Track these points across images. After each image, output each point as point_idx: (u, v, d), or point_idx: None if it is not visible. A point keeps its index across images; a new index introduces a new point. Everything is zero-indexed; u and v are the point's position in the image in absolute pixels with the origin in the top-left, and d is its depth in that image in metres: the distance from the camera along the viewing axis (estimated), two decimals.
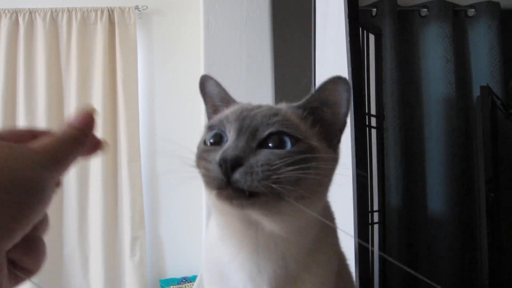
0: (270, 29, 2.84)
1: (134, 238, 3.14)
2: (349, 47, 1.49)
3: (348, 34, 1.50)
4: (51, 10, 3.23)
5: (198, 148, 0.76)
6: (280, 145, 0.69)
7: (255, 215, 0.69)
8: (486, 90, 2.31)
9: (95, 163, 3.17)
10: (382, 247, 2.29)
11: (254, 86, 2.81)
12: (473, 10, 3.08)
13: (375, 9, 3.03)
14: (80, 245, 3.18)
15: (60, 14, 3.24)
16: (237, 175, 0.64)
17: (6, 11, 3.21)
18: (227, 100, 0.87)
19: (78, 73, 3.20)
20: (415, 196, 2.93)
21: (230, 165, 0.65)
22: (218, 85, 0.87)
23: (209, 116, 0.85)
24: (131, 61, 3.23)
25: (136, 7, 3.27)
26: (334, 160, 0.75)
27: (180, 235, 3.28)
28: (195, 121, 3.13)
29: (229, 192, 0.65)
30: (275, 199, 0.65)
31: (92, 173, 3.19)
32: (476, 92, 2.70)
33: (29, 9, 3.22)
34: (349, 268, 0.88)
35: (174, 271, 3.27)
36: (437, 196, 2.90)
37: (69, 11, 3.24)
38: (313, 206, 0.70)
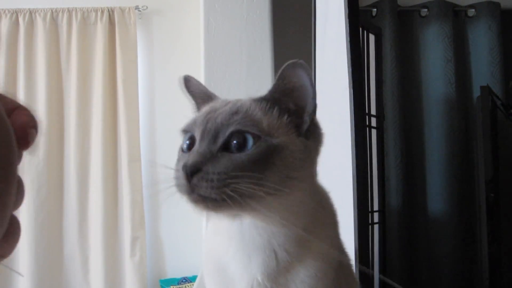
0: (271, 29, 2.84)
1: (134, 238, 3.14)
2: (349, 47, 1.49)
3: (348, 34, 1.50)
4: (51, 10, 3.23)
5: (177, 155, 0.81)
6: (244, 143, 0.69)
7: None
8: (486, 90, 2.31)
9: (95, 163, 3.17)
10: (382, 248, 2.29)
11: (254, 87, 2.81)
12: (473, 10, 3.08)
13: (375, 9, 3.03)
14: (80, 245, 3.18)
15: (60, 14, 3.24)
16: (195, 180, 0.67)
17: (6, 11, 3.21)
18: (209, 97, 0.92)
19: (78, 73, 3.20)
20: (415, 197, 2.93)
21: (189, 172, 0.68)
22: (198, 84, 0.93)
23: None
24: (131, 61, 3.23)
25: (136, 7, 3.27)
26: (306, 148, 0.74)
27: (180, 235, 3.28)
28: None
29: (195, 197, 0.68)
30: (237, 203, 0.66)
31: (92, 173, 3.19)
32: (476, 92, 2.70)
33: (29, 9, 3.22)
34: (352, 268, 0.88)
35: (174, 271, 3.27)
36: (437, 196, 2.90)
37: (69, 11, 3.24)
38: (290, 198, 0.70)
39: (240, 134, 0.70)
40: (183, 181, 0.69)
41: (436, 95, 2.94)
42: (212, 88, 2.99)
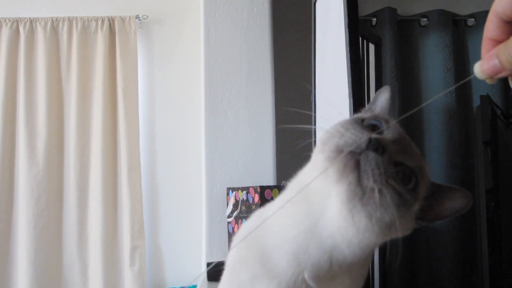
0: (270, 38, 2.84)
1: (134, 247, 3.13)
2: (349, 56, 1.49)
3: (348, 44, 1.50)
4: (52, 19, 3.24)
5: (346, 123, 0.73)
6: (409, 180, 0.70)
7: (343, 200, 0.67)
8: (486, 99, 2.31)
9: (95, 172, 3.16)
10: (382, 256, 2.28)
11: (254, 96, 2.81)
12: (473, 19, 3.09)
13: (375, 19, 3.04)
14: (80, 254, 3.17)
15: (60, 23, 3.25)
16: (371, 155, 0.65)
17: (7, 20, 3.22)
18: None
19: (78, 82, 3.21)
20: None
21: (375, 145, 0.66)
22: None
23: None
24: (131, 70, 3.23)
25: (137, 17, 3.28)
26: None
27: (179, 245, 3.27)
28: (195, 130, 3.13)
29: (353, 162, 0.65)
30: (384, 203, 0.65)
31: (91, 181, 3.18)
32: (476, 102, 2.70)
33: (29, 18, 3.23)
34: None
35: (173, 281, 3.26)
36: None
37: (70, 20, 3.25)
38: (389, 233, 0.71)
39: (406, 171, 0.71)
40: (359, 140, 0.66)
41: (436, 104, 2.94)
42: (212, 97, 3.02)
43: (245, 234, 0.79)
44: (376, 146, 0.66)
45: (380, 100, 0.87)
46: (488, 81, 0.62)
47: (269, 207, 0.81)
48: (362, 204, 0.64)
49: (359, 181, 0.64)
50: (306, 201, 0.72)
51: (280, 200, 0.79)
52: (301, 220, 0.72)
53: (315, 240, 0.71)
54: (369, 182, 0.64)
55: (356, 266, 0.75)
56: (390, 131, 0.72)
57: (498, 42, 0.58)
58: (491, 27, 0.59)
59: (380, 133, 0.71)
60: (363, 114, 0.79)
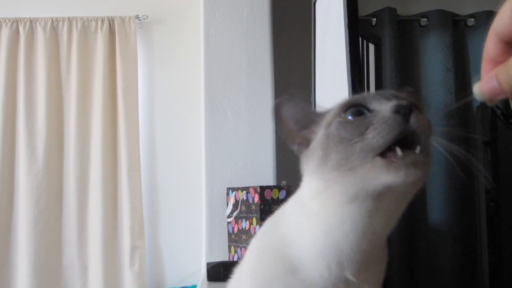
0: (270, 39, 2.84)
1: (134, 247, 3.13)
2: (349, 56, 1.49)
3: (348, 44, 1.50)
4: (52, 19, 3.24)
5: (337, 124, 0.71)
6: None
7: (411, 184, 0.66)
8: None
9: (95, 172, 3.16)
10: None
11: (254, 96, 2.81)
12: (473, 19, 3.09)
13: (375, 19, 3.04)
14: (80, 254, 3.17)
15: (60, 23, 3.25)
16: (413, 118, 0.65)
17: (7, 20, 3.22)
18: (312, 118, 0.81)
19: (78, 82, 3.21)
20: (415, 206, 2.93)
21: (407, 109, 0.65)
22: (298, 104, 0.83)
23: (289, 139, 0.80)
24: (131, 71, 3.23)
25: (137, 17, 3.27)
26: None
27: (179, 245, 3.27)
28: (195, 130, 3.13)
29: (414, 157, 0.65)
30: (429, 162, 0.67)
31: (91, 181, 3.18)
32: (476, 102, 2.70)
33: (29, 18, 3.23)
34: None
35: (173, 281, 3.25)
36: (437, 206, 2.89)
37: (70, 20, 3.25)
38: None
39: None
40: (395, 122, 0.65)
41: (436, 104, 2.94)
42: (212, 98, 3.02)
43: (268, 253, 0.78)
44: (406, 109, 0.66)
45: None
46: (488, 103, 0.61)
47: (284, 218, 0.80)
48: (425, 173, 0.66)
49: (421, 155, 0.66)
50: (342, 207, 0.71)
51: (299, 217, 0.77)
52: (342, 227, 0.71)
53: (362, 240, 0.71)
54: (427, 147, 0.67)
55: (383, 254, 0.77)
56: (378, 99, 0.71)
57: (497, 63, 0.58)
58: (490, 47, 0.59)
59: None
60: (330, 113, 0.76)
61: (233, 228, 2.59)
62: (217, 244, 2.72)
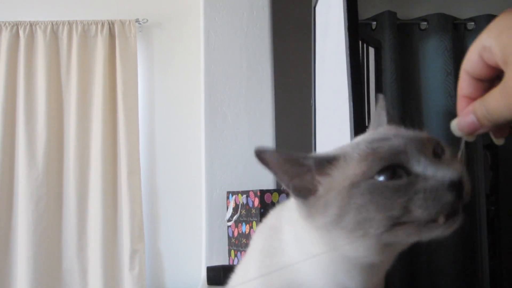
0: (270, 42, 2.85)
1: (133, 251, 3.13)
2: (348, 60, 1.49)
3: (348, 47, 1.50)
4: (52, 23, 3.24)
5: (370, 187, 0.63)
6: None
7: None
8: None
9: (95, 175, 3.16)
10: None
11: (254, 99, 2.81)
12: (473, 23, 3.08)
13: (375, 23, 3.04)
14: (79, 258, 3.16)
15: (60, 27, 3.25)
16: (465, 192, 0.61)
17: (7, 24, 3.22)
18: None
19: (78, 85, 3.20)
20: None
21: (461, 186, 0.61)
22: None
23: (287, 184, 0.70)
24: (131, 74, 3.23)
25: (137, 20, 3.27)
26: None
27: (179, 249, 3.26)
28: (195, 134, 3.13)
29: (460, 218, 0.62)
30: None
31: (91, 185, 3.18)
32: None
33: (29, 21, 3.23)
34: None
35: (173, 285, 3.25)
36: None
37: (70, 24, 3.25)
38: None
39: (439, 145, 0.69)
40: (449, 199, 0.60)
41: (436, 107, 2.94)
42: (212, 101, 3.02)
43: None
44: (460, 186, 0.61)
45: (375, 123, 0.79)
46: (467, 139, 0.63)
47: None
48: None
49: None
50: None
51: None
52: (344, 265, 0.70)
53: (367, 283, 0.71)
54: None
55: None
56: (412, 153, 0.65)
57: (472, 99, 0.60)
58: (463, 85, 0.61)
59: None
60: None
61: (233, 232, 2.58)
62: (217, 248, 2.72)
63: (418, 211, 0.59)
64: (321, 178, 0.67)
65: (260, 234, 0.81)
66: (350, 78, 1.48)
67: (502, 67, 0.54)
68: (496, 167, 2.25)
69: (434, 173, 0.61)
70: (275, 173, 0.69)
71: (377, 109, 0.82)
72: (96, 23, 3.26)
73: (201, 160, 2.86)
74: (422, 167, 0.62)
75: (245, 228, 2.46)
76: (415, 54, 3.06)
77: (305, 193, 0.68)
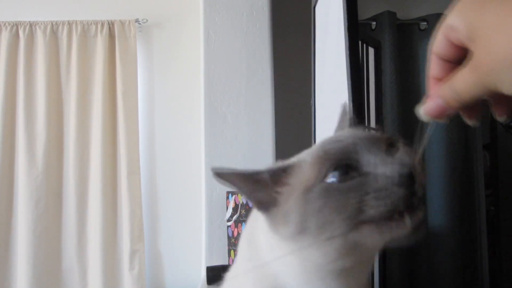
0: (270, 42, 2.85)
1: (133, 251, 3.13)
2: (348, 60, 1.49)
3: (347, 48, 1.50)
4: (51, 23, 3.24)
5: (321, 191, 0.63)
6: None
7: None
8: (485, 103, 2.31)
9: (95, 176, 3.16)
10: (381, 261, 2.28)
11: (254, 100, 2.81)
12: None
13: (375, 23, 3.04)
14: (79, 258, 3.16)
15: (60, 27, 3.25)
16: (417, 183, 0.60)
17: (7, 24, 3.22)
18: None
19: (78, 85, 3.20)
20: None
21: (411, 178, 0.59)
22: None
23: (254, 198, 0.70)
24: (131, 74, 3.23)
25: (137, 20, 3.27)
26: None
27: (179, 249, 3.27)
28: (195, 134, 3.13)
29: (419, 215, 0.61)
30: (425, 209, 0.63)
31: (91, 185, 3.18)
32: None
33: (29, 21, 3.23)
34: None
35: (173, 285, 3.25)
36: (437, 210, 2.89)
37: (70, 24, 3.25)
38: None
39: (391, 141, 0.67)
40: (399, 195, 0.59)
41: None
42: (211, 101, 3.02)
43: None
44: (411, 180, 0.60)
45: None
46: (439, 121, 0.60)
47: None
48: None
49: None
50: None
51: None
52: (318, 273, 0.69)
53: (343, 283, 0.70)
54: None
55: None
56: (362, 148, 0.64)
57: (442, 81, 0.58)
58: (433, 67, 0.60)
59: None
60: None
61: (232, 232, 2.58)
62: (216, 248, 2.72)
63: (371, 211, 0.59)
64: (280, 189, 0.68)
65: (244, 240, 0.81)
66: (350, 78, 1.48)
67: (468, 44, 0.52)
68: (496, 167, 2.25)
69: (383, 170, 0.60)
70: (236, 188, 0.69)
71: (341, 115, 0.83)
72: (96, 23, 3.26)
73: (201, 160, 2.86)
74: (372, 165, 0.61)
75: (244, 228, 2.46)
76: (415, 54, 3.07)
77: (267, 205, 0.68)
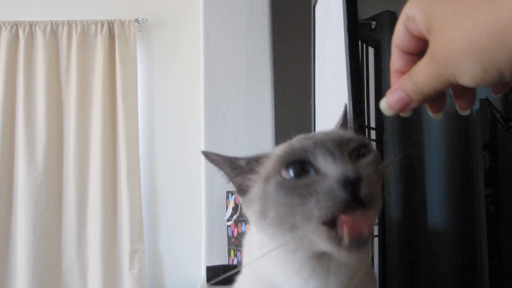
0: (270, 42, 2.85)
1: (133, 251, 3.13)
2: (348, 60, 1.49)
3: (347, 47, 1.50)
4: (51, 23, 3.24)
5: (275, 185, 0.65)
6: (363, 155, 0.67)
7: None
8: (485, 103, 2.31)
9: (95, 175, 3.16)
10: (382, 261, 2.28)
11: (253, 99, 2.81)
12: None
13: (374, 22, 3.04)
14: (79, 258, 3.16)
15: (60, 27, 3.25)
16: (363, 191, 0.60)
17: (6, 24, 3.22)
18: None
19: (78, 85, 3.20)
20: (415, 210, 2.92)
21: (355, 183, 0.60)
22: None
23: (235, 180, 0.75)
24: (131, 74, 3.23)
25: (136, 20, 3.28)
26: None
27: (179, 248, 3.27)
28: (195, 134, 3.13)
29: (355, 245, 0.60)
30: (376, 213, 0.64)
31: (91, 185, 3.18)
32: (476, 105, 2.71)
33: (29, 21, 3.23)
34: None
35: (173, 284, 3.25)
36: (437, 210, 2.89)
37: (69, 23, 3.25)
38: None
39: (361, 148, 0.67)
40: (341, 197, 0.59)
41: None
42: (212, 100, 3.02)
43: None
44: (354, 183, 0.60)
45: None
46: (402, 115, 0.59)
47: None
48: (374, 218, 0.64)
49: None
50: (307, 258, 0.69)
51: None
52: (310, 278, 0.70)
53: (332, 281, 0.70)
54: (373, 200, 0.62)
55: (368, 281, 0.76)
56: (318, 153, 0.65)
57: (404, 74, 0.57)
58: (394, 59, 0.58)
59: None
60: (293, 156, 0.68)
61: (232, 232, 2.58)
62: (216, 247, 2.72)
63: (316, 211, 0.60)
64: (252, 176, 0.72)
65: (246, 239, 0.84)
66: (349, 78, 1.48)
67: (426, 35, 0.51)
68: (496, 167, 2.25)
69: (333, 172, 0.61)
70: (221, 170, 0.75)
71: (342, 115, 0.86)
72: (96, 23, 3.26)
73: (200, 160, 2.86)
74: (326, 166, 0.63)
75: (244, 227, 2.46)
76: None
77: (244, 191, 0.73)
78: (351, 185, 0.59)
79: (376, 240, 2.27)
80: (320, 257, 0.68)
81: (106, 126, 3.18)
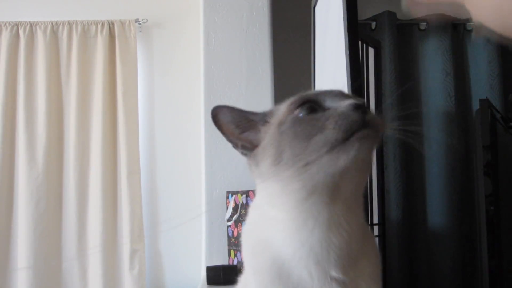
0: (270, 42, 2.85)
1: (133, 251, 3.13)
2: (348, 60, 1.50)
3: (347, 48, 1.50)
4: (52, 23, 3.24)
5: (291, 121, 0.75)
6: None
7: (359, 163, 0.71)
8: (485, 103, 2.31)
9: (95, 175, 3.16)
10: (382, 261, 2.28)
11: (254, 99, 2.81)
12: (472, 23, 3.08)
13: (375, 23, 3.04)
14: (79, 258, 3.16)
15: (60, 27, 3.25)
16: (369, 115, 0.71)
17: (7, 24, 3.22)
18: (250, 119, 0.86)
19: (78, 85, 3.20)
20: (415, 210, 2.93)
21: (364, 108, 0.71)
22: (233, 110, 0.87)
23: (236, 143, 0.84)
24: (131, 74, 3.23)
25: (137, 21, 3.28)
26: None
27: (179, 248, 3.27)
28: (195, 134, 3.13)
29: (366, 132, 0.70)
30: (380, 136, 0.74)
31: (91, 185, 3.18)
32: (476, 105, 2.71)
33: (29, 22, 3.23)
34: None
35: (173, 285, 3.25)
36: (437, 210, 2.89)
37: (70, 24, 3.25)
38: None
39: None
40: (355, 117, 0.70)
41: (436, 108, 2.94)
42: (212, 101, 3.03)
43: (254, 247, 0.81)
44: (363, 107, 0.72)
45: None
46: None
47: (256, 228, 0.82)
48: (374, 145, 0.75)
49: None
50: (314, 205, 0.73)
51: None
52: (315, 227, 0.73)
53: (334, 234, 0.73)
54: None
55: (368, 246, 0.79)
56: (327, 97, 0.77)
57: None
58: None
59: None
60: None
61: (232, 232, 2.58)
62: (216, 247, 2.72)
63: (331, 133, 0.69)
64: (264, 128, 0.81)
65: (252, 204, 0.91)
66: (349, 78, 1.48)
67: None
68: (496, 167, 2.25)
69: (342, 105, 0.72)
70: (226, 131, 0.83)
71: None
72: (96, 23, 3.26)
73: (201, 160, 2.86)
74: (334, 104, 0.74)
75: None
76: (415, 54, 3.07)
77: (251, 147, 0.80)
78: (361, 108, 0.71)
79: (376, 239, 2.26)
80: (325, 206, 0.73)
81: (106, 126, 3.18)
